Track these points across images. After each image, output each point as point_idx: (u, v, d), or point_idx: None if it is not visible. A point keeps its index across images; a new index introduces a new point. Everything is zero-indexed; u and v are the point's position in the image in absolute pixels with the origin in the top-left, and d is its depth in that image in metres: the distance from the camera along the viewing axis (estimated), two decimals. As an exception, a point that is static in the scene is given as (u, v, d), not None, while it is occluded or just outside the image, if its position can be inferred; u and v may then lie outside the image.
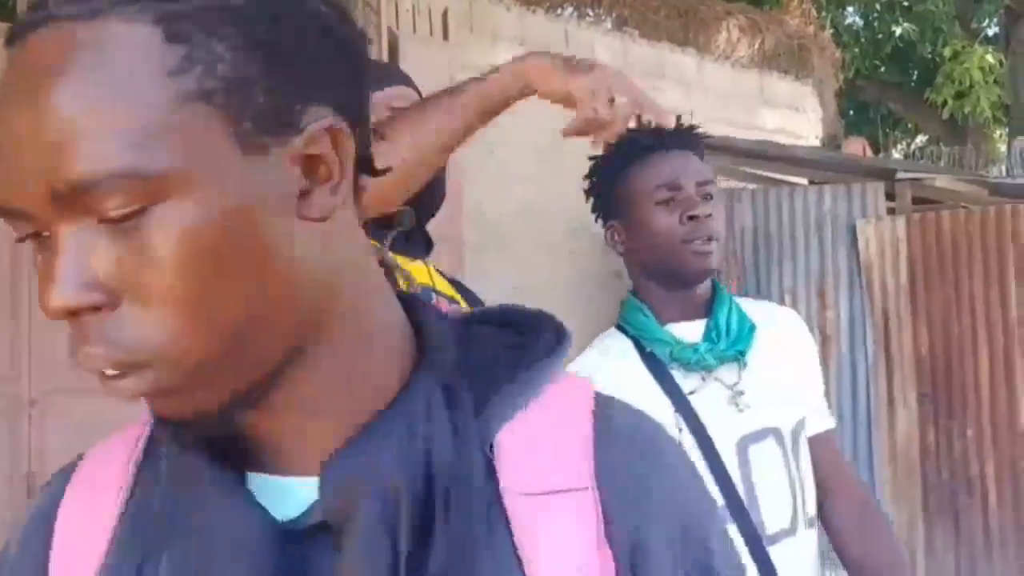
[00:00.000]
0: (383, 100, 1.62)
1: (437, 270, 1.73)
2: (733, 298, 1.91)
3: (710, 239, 1.80)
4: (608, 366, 1.81)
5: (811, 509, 1.82)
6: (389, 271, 1.52)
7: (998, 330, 5.90)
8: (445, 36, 5.95)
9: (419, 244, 1.69)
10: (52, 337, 3.96)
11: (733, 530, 1.70)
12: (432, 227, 1.79)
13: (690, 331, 1.83)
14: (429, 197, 1.64)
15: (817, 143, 9.31)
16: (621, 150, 1.88)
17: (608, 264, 6.94)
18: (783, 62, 9.33)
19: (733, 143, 6.68)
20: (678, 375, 1.79)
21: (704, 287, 1.89)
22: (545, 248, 6.59)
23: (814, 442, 1.88)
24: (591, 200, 1.98)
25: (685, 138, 1.90)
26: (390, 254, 1.54)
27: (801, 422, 1.85)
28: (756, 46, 8.93)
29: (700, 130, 1.94)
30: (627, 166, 1.87)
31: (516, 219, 6.47)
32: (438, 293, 1.61)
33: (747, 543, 1.70)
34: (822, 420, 1.93)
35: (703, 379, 1.79)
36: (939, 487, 5.95)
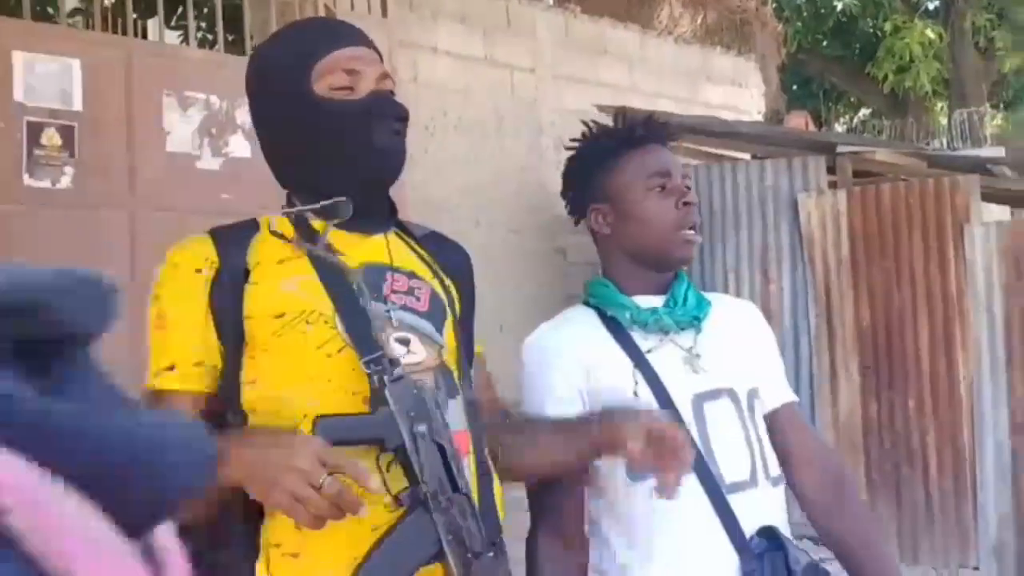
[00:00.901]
0: (340, 61, 1.58)
1: (409, 234, 1.70)
2: (691, 282, 2.03)
3: (695, 228, 1.92)
4: (568, 330, 1.93)
5: (773, 469, 1.88)
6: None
7: (938, 302, 5.96)
8: (384, 13, 5.88)
9: (377, 218, 1.64)
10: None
11: (692, 479, 1.75)
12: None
13: (650, 303, 1.93)
14: (376, 170, 1.60)
15: (760, 118, 9.35)
16: (610, 139, 1.99)
17: (550, 241, 6.93)
18: (725, 37, 9.35)
19: (675, 119, 6.68)
20: (637, 337, 1.88)
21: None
22: (489, 227, 6.56)
23: (779, 415, 1.95)
24: (570, 183, 2.06)
25: (667, 134, 2.03)
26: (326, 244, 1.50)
27: (754, 391, 1.92)
28: (698, 21, 8.95)
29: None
30: (618, 154, 1.96)
31: (460, 199, 6.44)
32: (394, 270, 1.57)
33: (706, 491, 1.77)
34: (783, 394, 2.00)
35: (660, 340, 1.88)
36: (881, 458, 6.02)
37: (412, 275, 1.59)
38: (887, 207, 6.15)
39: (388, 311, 1.51)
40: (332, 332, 1.46)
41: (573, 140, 2.05)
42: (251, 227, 1.56)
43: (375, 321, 1.46)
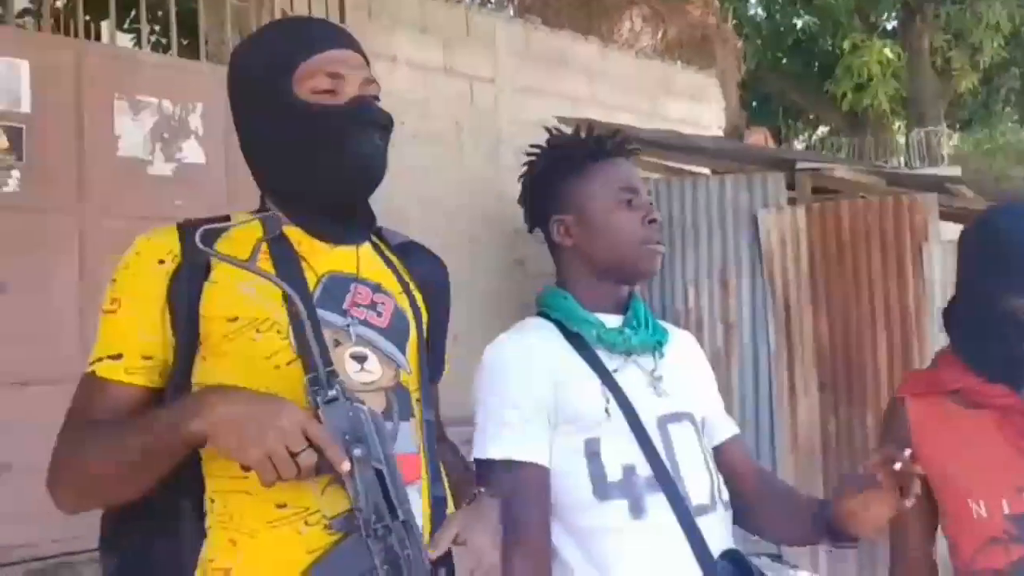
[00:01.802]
0: (323, 64, 1.49)
1: (385, 244, 1.63)
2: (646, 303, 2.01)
3: (660, 243, 1.92)
4: (534, 339, 1.87)
5: (725, 493, 1.88)
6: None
7: (896, 318, 5.97)
8: (342, 20, 5.80)
9: (353, 227, 1.57)
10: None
11: (662, 499, 1.73)
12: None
13: (611, 321, 1.90)
14: (355, 177, 1.52)
15: (720, 133, 9.36)
16: (576, 149, 1.95)
17: (509, 252, 6.87)
18: (686, 52, 9.36)
19: (636, 133, 6.65)
20: (602, 355, 1.85)
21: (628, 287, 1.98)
22: (448, 237, 6.49)
23: (729, 446, 1.97)
24: (530, 191, 2.01)
25: (630, 148, 1.99)
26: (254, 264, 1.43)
27: (704, 419, 1.94)
28: (659, 36, 8.94)
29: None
30: (584, 165, 1.93)
31: (418, 209, 6.37)
32: (360, 281, 1.51)
33: (676, 513, 1.74)
34: (730, 426, 2.01)
35: (625, 361, 1.86)
36: (840, 475, 6.00)
37: (378, 288, 1.53)
38: (846, 224, 6.16)
39: (348, 325, 1.45)
40: (283, 343, 1.40)
41: (534, 147, 2.00)
42: (222, 223, 1.49)
43: (328, 335, 1.40)
